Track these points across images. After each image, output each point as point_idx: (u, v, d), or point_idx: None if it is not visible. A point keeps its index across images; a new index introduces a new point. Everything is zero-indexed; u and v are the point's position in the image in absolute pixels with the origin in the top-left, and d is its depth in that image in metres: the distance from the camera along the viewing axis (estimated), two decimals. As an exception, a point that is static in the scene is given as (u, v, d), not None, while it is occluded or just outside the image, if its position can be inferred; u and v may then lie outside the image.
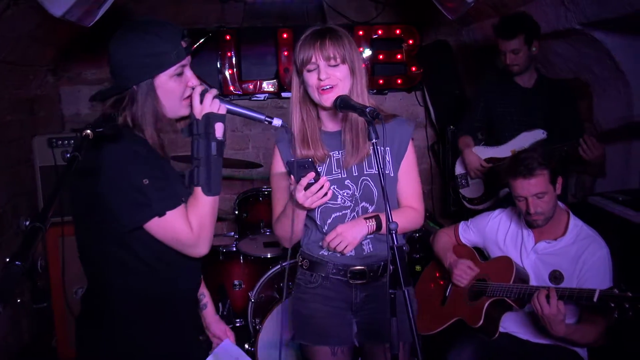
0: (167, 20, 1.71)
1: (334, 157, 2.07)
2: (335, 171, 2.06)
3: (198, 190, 1.69)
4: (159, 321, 1.77)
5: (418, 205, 2.16)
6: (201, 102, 1.70)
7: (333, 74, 1.93)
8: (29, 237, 0.99)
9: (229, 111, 1.75)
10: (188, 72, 1.73)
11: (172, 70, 1.67)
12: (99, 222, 1.64)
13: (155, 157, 1.69)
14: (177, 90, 1.70)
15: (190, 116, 1.72)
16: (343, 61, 1.94)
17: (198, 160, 1.68)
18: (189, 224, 1.67)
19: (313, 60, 1.93)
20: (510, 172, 2.50)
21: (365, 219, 1.99)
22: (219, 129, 1.71)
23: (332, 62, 1.92)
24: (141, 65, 1.62)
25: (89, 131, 1.34)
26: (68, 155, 1.27)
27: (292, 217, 1.96)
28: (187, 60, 1.71)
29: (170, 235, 1.66)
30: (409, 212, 2.13)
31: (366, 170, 2.05)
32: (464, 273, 2.67)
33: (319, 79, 1.92)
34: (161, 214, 1.61)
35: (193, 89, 1.73)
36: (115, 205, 1.57)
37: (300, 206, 1.87)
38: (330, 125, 2.09)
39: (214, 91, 1.73)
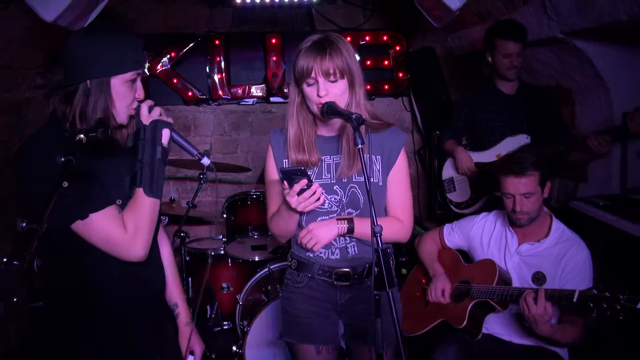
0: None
1: (325, 161, 2.09)
2: (325, 176, 2.09)
3: (139, 191, 1.70)
4: (117, 325, 1.78)
5: (404, 217, 2.12)
6: (149, 112, 1.75)
7: (331, 90, 1.94)
8: (26, 238, 1.03)
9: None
10: (139, 84, 1.77)
11: (129, 75, 1.70)
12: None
13: (87, 157, 1.66)
14: (127, 97, 1.73)
15: (137, 123, 1.75)
16: (342, 75, 1.94)
17: (142, 163, 1.70)
18: (121, 225, 1.67)
19: (312, 75, 1.93)
20: (502, 169, 2.56)
21: (339, 219, 2.02)
22: (165, 135, 1.75)
23: (332, 78, 1.93)
24: (101, 61, 1.64)
25: (82, 135, 1.36)
26: (62, 159, 1.29)
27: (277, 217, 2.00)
28: (142, 71, 1.76)
29: (100, 237, 1.65)
30: (392, 223, 2.10)
31: (355, 178, 2.07)
32: (436, 292, 2.70)
33: (318, 95, 1.93)
34: (84, 216, 1.61)
35: (140, 101, 1.77)
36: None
37: (294, 210, 1.90)
38: (325, 130, 2.11)
39: (162, 109, 1.79)
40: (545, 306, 2.26)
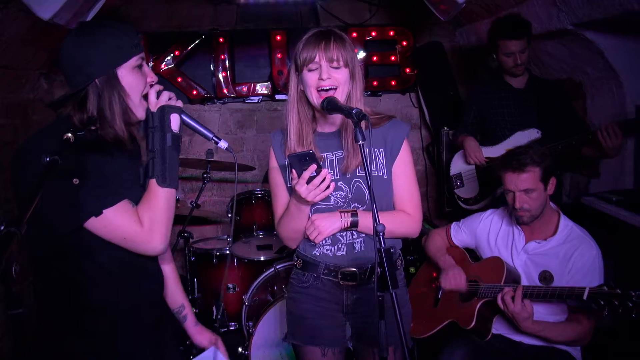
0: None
1: (327, 158, 2.06)
2: (329, 173, 2.03)
3: (152, 182, 1.65)
4: (117, 331, 1.74)
5: (412, 210, 2.08)
6: (157, 97, 1.71)
7: (334, 76, 1.92)
8: (3, 241, 0.98)
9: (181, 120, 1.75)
10: (146, 68, 1.72)
11: (133, 61, 1.65)
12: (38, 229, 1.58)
13: (98, 154, 1.64)
14: (139, 85, 1.68)
15: (146, 111, 1.70)
16: (345, 65, 1.93)
17: (153, 153, 1.65)
18: (137, 220, 1.62)
19: (316, 60, 1.91)
20: (502, 165, 2.53)
21: (342, 212, 1.99)
22: (174, 120, 1.70)
23: (335, 64, 1.92)
24: (103, 58, 1.60)
25: (69, 134, 1.32)
26: (47, 159, 1.24)
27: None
28: (144, 54, 1.70)
29: (116, 234, 1.61)
30: (399, 216, 2.07)
31: (358, 172, 2.03)
32: (453, 279, 2.65)
33: (320, 79, 1.91)
34: (97, 213, 1.56)
35: (151, 85, 1.71)
36: (47, 209, 1.48)
37: (303, 200, 1.87)
38: (325, 126, 2.08)
39: (172, 94, 1.74)
40: (522, 304, 2.29)
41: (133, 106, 1.68)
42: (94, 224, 1.58)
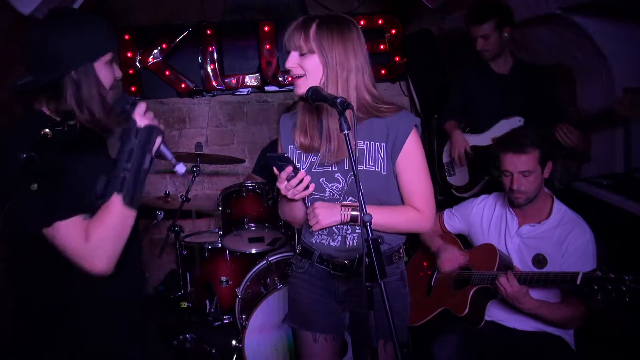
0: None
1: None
2: (327, 163, 2.02)
3: (116, 200, 1.57)
4: (104, 327, 1.72)
5: (421, 206, 2.01)
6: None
7: (302, 64, 1.91)
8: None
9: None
10: (114, 64, 1.72)
11: (109, 56, 1.65)
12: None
13: (74, 151, 1.59)
14: (110, 78, 1.68)
15: (130, 121, 1.64)
16: (311, 51, 1.89)
17: (126, 169, 1.58)
18: (82, 234, 1.54)
19: (287, 48, 1.93)
20: (502, 145, 2.52)
21: (344, 206, 1.98)
22: (157, 143, 1.66)
23: (300, 51, 1.90)
24: (81, 48, 1.57)
25: (47, 130, 1.29)
26: (24, 155, 1.22)
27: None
28: (115, 49, 1.72)
29: (60, 245, 1.53)
30: (405, 211, 2.02)
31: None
32: (450, 260, 2.67)
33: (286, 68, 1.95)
34: (48, 224, 1.49)
35: (118, 80, 1.72)
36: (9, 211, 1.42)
37: (286, 197, 1.89)
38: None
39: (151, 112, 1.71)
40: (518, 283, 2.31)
41: (107, 96, 1.66)
42: (45, 233, 1.53)
